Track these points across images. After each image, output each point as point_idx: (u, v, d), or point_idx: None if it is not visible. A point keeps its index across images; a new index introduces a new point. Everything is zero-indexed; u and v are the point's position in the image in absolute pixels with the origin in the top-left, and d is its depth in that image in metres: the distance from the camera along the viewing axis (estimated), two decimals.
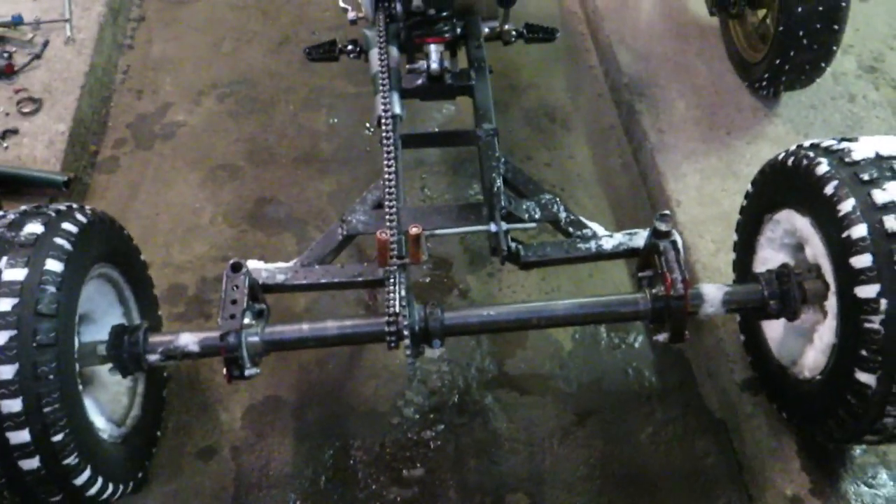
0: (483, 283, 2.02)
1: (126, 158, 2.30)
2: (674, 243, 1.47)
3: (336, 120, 2.42)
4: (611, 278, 2.01)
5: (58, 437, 1.25)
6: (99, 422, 1.45)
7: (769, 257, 1.59)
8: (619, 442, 1.74)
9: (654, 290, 1.47)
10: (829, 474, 1.56)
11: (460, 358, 1.86)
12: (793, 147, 1.47)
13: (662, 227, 1.47)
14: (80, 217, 1.41)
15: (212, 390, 1.78)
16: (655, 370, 1.85)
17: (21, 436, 1.23)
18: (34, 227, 1.34)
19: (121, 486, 1.44)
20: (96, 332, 1.56)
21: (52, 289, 1.28)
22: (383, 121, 1.75)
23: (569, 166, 2.31)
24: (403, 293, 1.50)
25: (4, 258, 1.28)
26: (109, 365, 1.48)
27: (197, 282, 1.99)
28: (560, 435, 1.75)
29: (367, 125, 2.38)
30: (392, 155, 1.70)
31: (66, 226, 1.37)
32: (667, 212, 1.49)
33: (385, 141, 1.71)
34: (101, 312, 1.58)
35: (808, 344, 1.48)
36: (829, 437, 1.47)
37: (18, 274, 1.27)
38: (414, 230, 1.44)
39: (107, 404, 1.54)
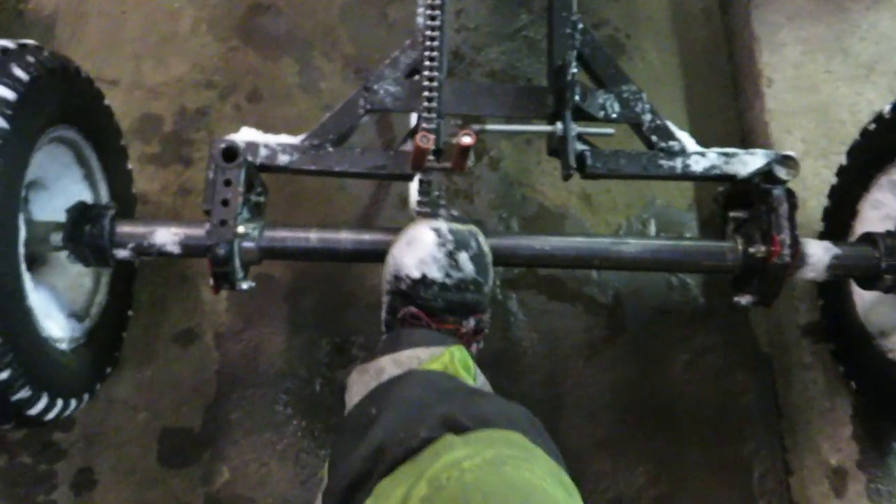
0: (519, 151, 1.69)
1: None
2: (791, 196, 1.16)
3: None
4: None
5: (2, 375, 1.00)
6: (56, 329, 1.19)
7: (886, 208, 1.29)
8: (650, 367, 1.55)
9: (750, 248, 1.18)
10: (880, 448, 1.41)
11: None
12: None
13: (782, 173, 1.14)
14: (19, 73, 1.03)
15: (191, 259, 1.51)
16: (703, 287, 1.61)
17: None
18: None
19: (86, 396, 1.23)
20: (50, 201, 1.26)
21: None
22: None
23: (639, 3, 1.87)
24: (445, 206, 1.21)
25: None
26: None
27: (175, 113, 1.62)
28: (587, 353, 1.55)
29: None
30: (437, 2, 1.28)
31: (1, 91, 1.00)
32: (792, 154, 1.16)
33: None
34: (55, 177, 1.26)
35: None
36: None
37: None
38: (466, 139, 1.09)
39: (66, 292, 1.27)
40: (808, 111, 1.64)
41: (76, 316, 1.28)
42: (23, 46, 1.08)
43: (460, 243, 1.13)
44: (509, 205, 1.64)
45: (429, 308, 1.13)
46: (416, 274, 1.12)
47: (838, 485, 1.39)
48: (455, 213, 1.20)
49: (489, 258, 1.17)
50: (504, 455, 0.78)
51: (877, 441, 1.40)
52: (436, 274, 1.11)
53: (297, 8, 1.76)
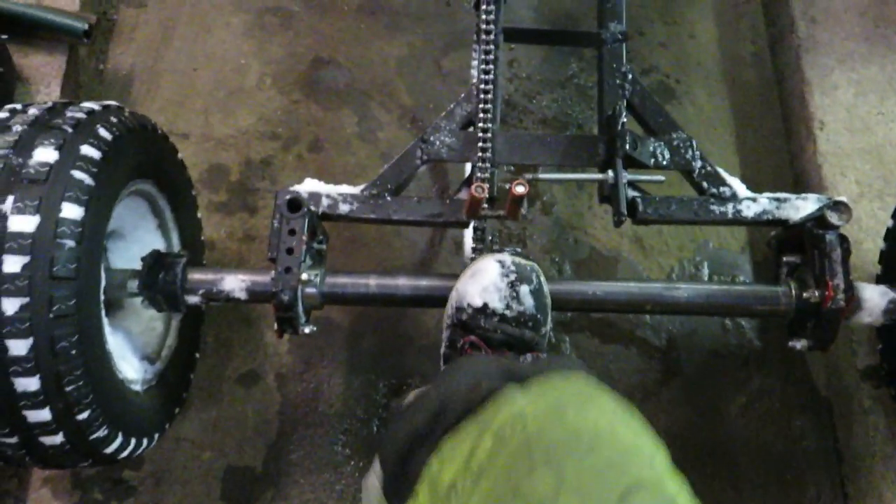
0: (571, 195, 1.72)
1: None
2: (843, 240, 1.17)
3: None
4: None
5: (83, 416, 1.07)
6: (130, 372, 1.26)
7: None
8: (705, 410, 1.55)
9: (804, 293, 1.19)
10: None
11: None
12: None
13: (834, 218, 1.15)
14: (103, 133, 1.11)
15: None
16: (758, 330, 1.61)
17: (41, 415, 1.05)
18: (46, 154, 1.05)
19: (156, 435, 1.28)
20: (126, 250, 1.34)
21: (70, 243, 1.03)
22: (483, 6, 1.37)
23: (688, 49, 1.90)
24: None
25: (10, 199, 1.02)
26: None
27: (241, 163, 1.70)
28: (641, 395, 1.55)
29: None
30: (491, 56, 1.34)
31: (87, 150, 1.08)
32: (844, 200, 1.17)
33: (484, 35, 1.35)
34: (132, 227, 1.34)
35: None
36: None
37: (28, 223, 1.01)
38: (519, 189, 1.13)
39: (139, 336, 1.34)
40: (862, 153, 1.64)
41: (148, 358, 1.34)
42: (106, 108, 1.17)
43: (522, 276, 1.15)
44: (562, 249, 1.67)
45: (488, 339, 1.14)
46: (478, 302, 1.14)
47: None
48: (518, 249, 1.24)
49: (548, 298, 1.19)
50: (566, 398, 0.76)
51: None
52: (497, 304, 1.13)
53: (356, 61, 1.84)
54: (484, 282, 1.15)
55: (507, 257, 1.17)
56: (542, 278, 1.19)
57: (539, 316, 1.16)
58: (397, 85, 1.82)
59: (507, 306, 1.14)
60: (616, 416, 0.76)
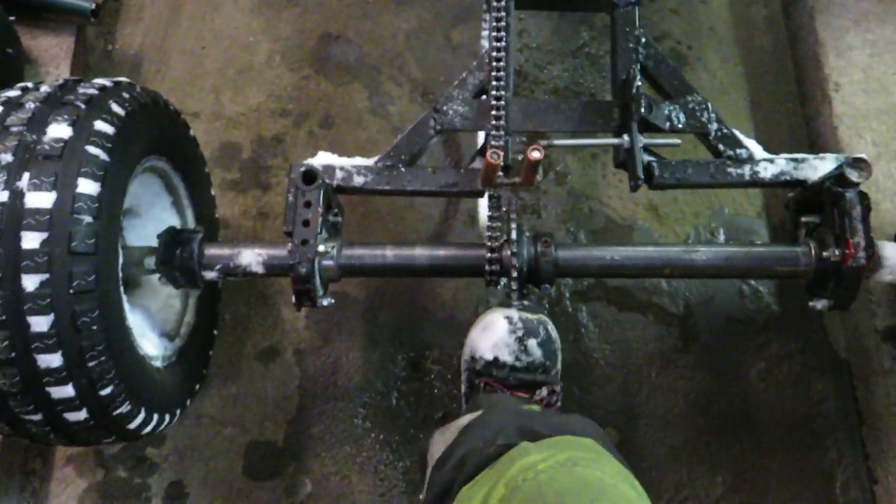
0: (585, 165, 1.71)
1: None
2: (863, 197, 1.16)
3: None
4: None
5: (105, 391, 1.07)
6: (150, 348, 1.26)
7: None
8: (725, 376, 1.54)
9: (824, 252, 1.18)
10: None
11: None
12: None
13: (854, 175, 1.14)
14: (116, 109, 1.11)
15: (272, 279, 1.57)
16: (775, 294, 1.60)
17: (65, 391, 1.06)
18: (60, 130, 1.05)
19: (178, 411, 1.29)
20: (143, 228, 1.34)
21: (87, 218, 1.03)
22: None
23: (700, 14, 1.88)
24: (509, 222, 1.24)
25: (26, 175, 1.02)
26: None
27: (253, 141, 1.70)
28: (660, 363, 1.55)
29: None
30: (503, 23, 1.33)
31: (100, 126, 1.07)
32: (864, 156, 1.15)
33: (494, 2, 1.33)
34: (148, 205, 1.34)
35: None
36: None
37: (46, 200, 1.01)
38: (535, 155, 1.13)
39: (158, 313, 1.35)
40: (879, 114, 1.62)
41: (167, 335, 1.35)
42: (118, 84, 1.17)
43: (529, 331, 1.28)
44: (577, 218, 1.66)
45: (503, 382, 1.27)
46: (489, 356, 1.27)
47: None
48: (527, 303, 1.30)
49: (557, 344, 1.31)
50: (576, 457, 0.82)
51: None
52: (507, 357, 1.26)
53: (365, 36, 1.83)
54: (494, 338, 1.28)
55: (514, 313, 1.28)
56: (550, 328, 1.30)
57: (548, 363, 1.28)
58: (407, 58, 1.81)
59: (517, 359, 1.27)
60: (621, 477, 0.83)
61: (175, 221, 1.39)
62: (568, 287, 1.60)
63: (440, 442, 1.12)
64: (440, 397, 1.51)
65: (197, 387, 1.41)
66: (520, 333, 1.27)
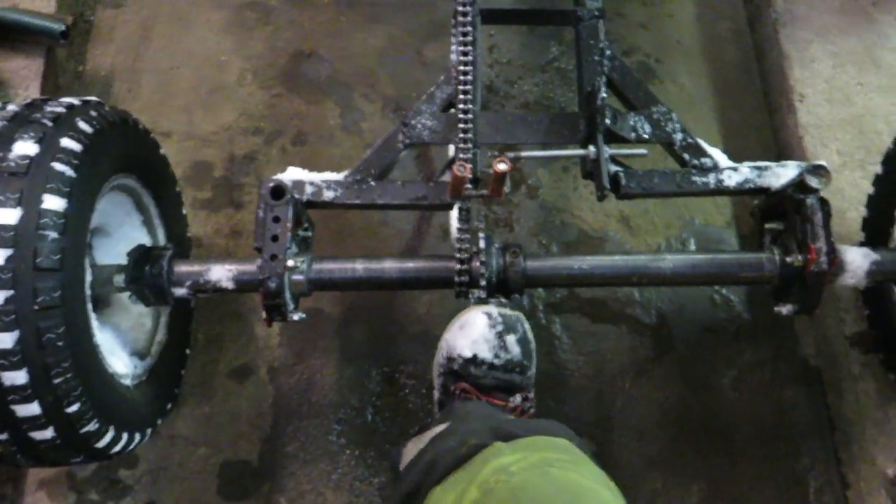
0: (557, 178, 1.73)
1: None
2: (824, 204, 1.18)
3: None
4: None
5: (72, 409, 1.06)
6: (120, 366, 1.25)
7: None
8: (698, 385, 1.55)
9: (787, 257, 1.20)
10: None
11: None
12: None
13: (814, 182, 1.16)
14: (83, 126, 1.11)
15: (245, 296, 1.57)
16: (747, 303, 1.62)
17: (30, 409, 1.05)
18: (26, 147, 1.04)
19: (149, 430, 1.28)
20: (113, 247, 1.33)
21: (53, 234, 1.03)
22: None
23: (668, 29, 1.91)
24: (478, 234, 1.25)
25: None
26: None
27: (225, 159, 1.70)
28: (633, 373, 1.56)
29: None
30: (469, 38, 1.34)
31: (67, 143, 1.07)
32: (823, 163, 1.17)
33: (461, 17, 1.35)
34: (118, 223, 1.34)
35: None
36: None
37: (10, 216, 1.01)
38: (501, 167, 1.14)
39: (128, 332, 1.34)
40: (843, 124, 1.65)
41: (139, 354, 1.34)
42: (86, 102, 1.17)
43: (509, 326, 1.26)
44: (549, 231, 1.67)
45: (479, 385, 1.24)
46: (468, 353, 1.25)
47: None
48: (503, 300, 1.30)
49: (533, 345, 1.30)
50: (550, 458, 0.81)
51: None
52: (486, 354, 1.25)
53: (337, 54, 1.84)
54: (473, 334, 1.26)
55: (493, 309, 1.27)
56: (527, 326, 1.30)
57: (525, 362, 1.27)
58: (379, 75, 1.82)
59: (496, 355, 1.25)
60: (597, 479, 0.82)
61: (146, 240, 1.39)
62: (541, 299, 1.61)
63: (413, 451, 1.10)
64: (415, 412, 1.51)
65: (169, 406, 1.40)
66: (499, 329, 1.26)
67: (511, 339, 1.26)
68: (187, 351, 1.48)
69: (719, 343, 1.59)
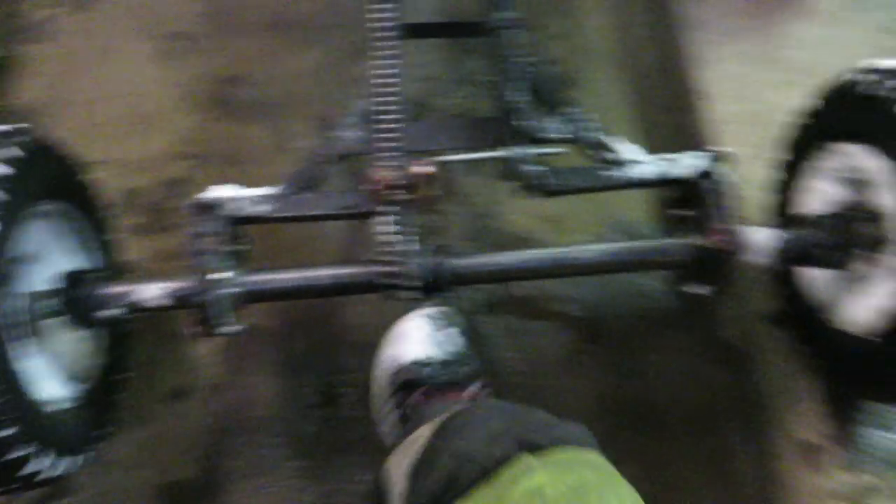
0: (486, 185, 1.78)
1: (60, 22, 1.91)
2: (726, 186, 1.25)
3: None
4: None
5: (5, 433, 1.06)
6: (57, 390, 1.25)
7: (820, 193, 1.37)
8: (629, 373, 1.61)
9: (696, 239, 1.27)
10: (845, 420, 1.45)
11: None
12: (864, 68, 1.20)
13: (716, 167, 1.23)
14: (13, 151, 1.12)
15: (181, 317, 1.57)
16: (669, 292, 1.69)
17: None
18: None
19: (85, 456, 1.28)
20: (44, 272, 1.33)
21: None
22: (374, 4, 1.42)
23: (585, 38, 2.00)
24: (406, 237, 1.29)
25: None
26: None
27: (158, 185, 1.72)
28: (567, 365, 1.61)
29: None
30: (387, 52, 1.39)
31: None
32: (724, 149, 1.25)
33: (379, 32, 1.40)
34: (49, 249, 1.34)
35: (857, 295, 1.31)
36: (867, 395, 1.35)
37: None
38: (423, 169, 1.19)
39: (64, 356, 1.33)
40: (751, 119, 1.74)
41: (76, 378, 1.34)
42: (15, 128, 1.19)
43: (450, 321, 1.32)
44: (481, 237, 1.72)
45: (435, 385, 1.26)
46: (417, 356, 1.28)
47: (811, 460, 1.44)
48: (437, 300, 1.33)
49: (474, 334, 1.36)
50: (587, 481, 0.76)
51: (843, 412, 1.45)
52: (434, 351, 1.29)
53: (267, 76, 1.88)
54: (417, 337, 1.30)
55: (428, 309, 1.33)
56: (463, 318, 1.35)
57: (471, 352, 1.31)
58: (310, 95, 1.86)
59: (445, 350, 1.29)
60: None
61: (77, 264, 1.39)
62: (474, 301, 1.65)
63: (400, 462, 1.01)
64: (355, 421, 1.53)
65: (108, 430, 1.40)
66: (441, 324, 1.30)
67: (454, 332, 1.29)
68: (126, 374, 1.48)
69: (647, 332, 1.65)
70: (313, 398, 1.54)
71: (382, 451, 1.46)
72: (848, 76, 1.22)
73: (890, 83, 1.13)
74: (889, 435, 1.45)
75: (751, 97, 1.77)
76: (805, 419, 1.44)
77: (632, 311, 1.66)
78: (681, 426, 1.56)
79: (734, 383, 1.59)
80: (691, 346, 1.63)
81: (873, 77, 1.16)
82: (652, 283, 1.69)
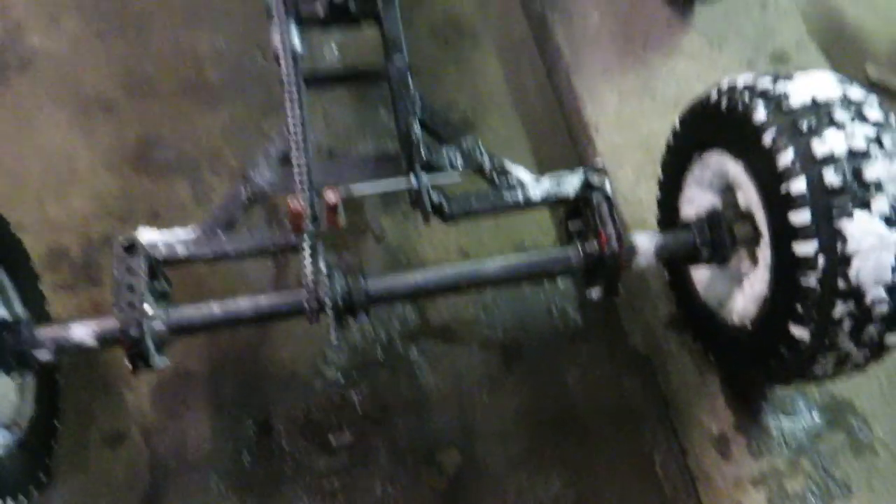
0: (398, 223, 1.90)
1: None
2: (606, 196, 1.40)
3: (223, 41, 2.16)
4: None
5: None
6: None
7: (696, 198, 1.54)
8: (547, 386, 1.72)
9: (586, 246, 1.41)
10: (751, 409, 1.60)
11: (380, 309, 1.76)
12: (725, 85, 1.39)
13: (594, 179, 1.38)
14: None
15: (112, 365, 1.62)
16: (579, 308, 1.82)
17: None
18: None
19: (21, 499, 1.30)
20: None
21: None
22: (282, 61, 1.55)
23: (480, 87, 2.17)
24: (321, 262, 1.38)
25: None
26: None
27: (81, 243, 1.78)
28: (488, 384, 1.71)
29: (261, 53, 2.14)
30: (295, 99, 1.51)
31: None
32: (599, 161, 1.41)
33: (287, 86, 1.52)
34: None
35: (737, 289, 1.47)
36: (756, 379, 1.49)
37: None
38: (331, 197, 1.30)
39: None
40: (633, 146, 1.93)
41: (5, 427, 1.37)
42: None
43: None
44: (396, 270, 1.83)
45: None
46: None
47: (724, 450, 1.57)
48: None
49: None
50: None
51: (746, 403, 1.59)
52: None
53: (183, 135, 1.97)
54: None
55: None
56: None
57: None
58: (224, 150, 1.96)
59: None
60: None
61: (4, 315, 1.43)
62: (396, 331, 1.75)
63: None
64: (289, 453, 1.58)
65: (42, 478, 1.42)
66: None
67: None
68: (56, 422, 1.51)
69: (560, 347, 1.77)
70: (248, 433, 1.59)
71: (319, 479, 1.54)
72: (712, 92, 1.40)
73: (743, 96, 1.31)
74: (792, 419, 1.60)
75: (631, 127, 1.96)
76: (714, 413, 1.58)
77: (544, 329, 1.79)
78: (601, 432, 1.67)
79: (647, 387, 1.72)
80: (603, 357, 1.76)
81: (731, 91, 1.34)
82: (562, 301, 1.82)
